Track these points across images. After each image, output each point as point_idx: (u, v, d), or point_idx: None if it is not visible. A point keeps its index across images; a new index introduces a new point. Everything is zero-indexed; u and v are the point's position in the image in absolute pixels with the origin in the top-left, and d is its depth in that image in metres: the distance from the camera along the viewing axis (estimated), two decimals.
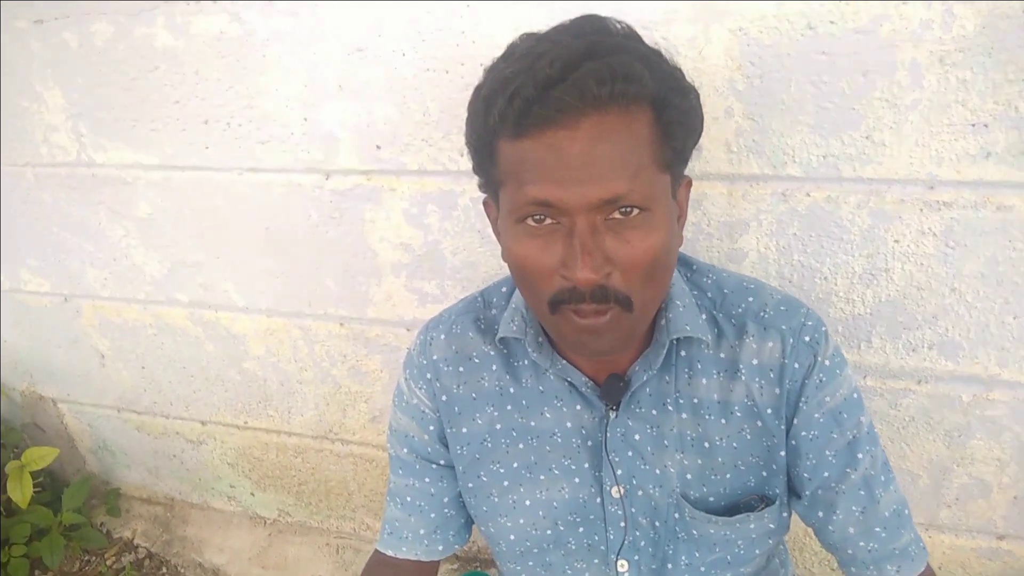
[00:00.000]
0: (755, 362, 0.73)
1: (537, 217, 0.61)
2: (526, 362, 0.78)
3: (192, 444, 1.68)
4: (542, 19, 0.86)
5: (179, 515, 1.83)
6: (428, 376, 0.82)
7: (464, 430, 0.81)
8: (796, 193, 0.95)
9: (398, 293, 1.24)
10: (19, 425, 1.79)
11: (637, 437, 0.76)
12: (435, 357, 0.81)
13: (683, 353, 0.74)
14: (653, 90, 0.59)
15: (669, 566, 0.80)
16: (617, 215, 0.60)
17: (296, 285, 1.31)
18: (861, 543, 0.75)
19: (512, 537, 0.82)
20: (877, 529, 0.74)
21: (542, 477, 0.79)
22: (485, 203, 0.75)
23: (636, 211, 0.60)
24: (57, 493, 1.70)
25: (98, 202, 1.34)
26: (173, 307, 1.43)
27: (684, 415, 0.75)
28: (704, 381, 0.74)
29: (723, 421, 0.75)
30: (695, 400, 0.75)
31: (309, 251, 1.25)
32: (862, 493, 0.74)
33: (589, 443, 0.77)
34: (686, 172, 0.69)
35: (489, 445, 0.80)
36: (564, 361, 0.75)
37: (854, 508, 0.74)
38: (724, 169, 0.95)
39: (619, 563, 0.80)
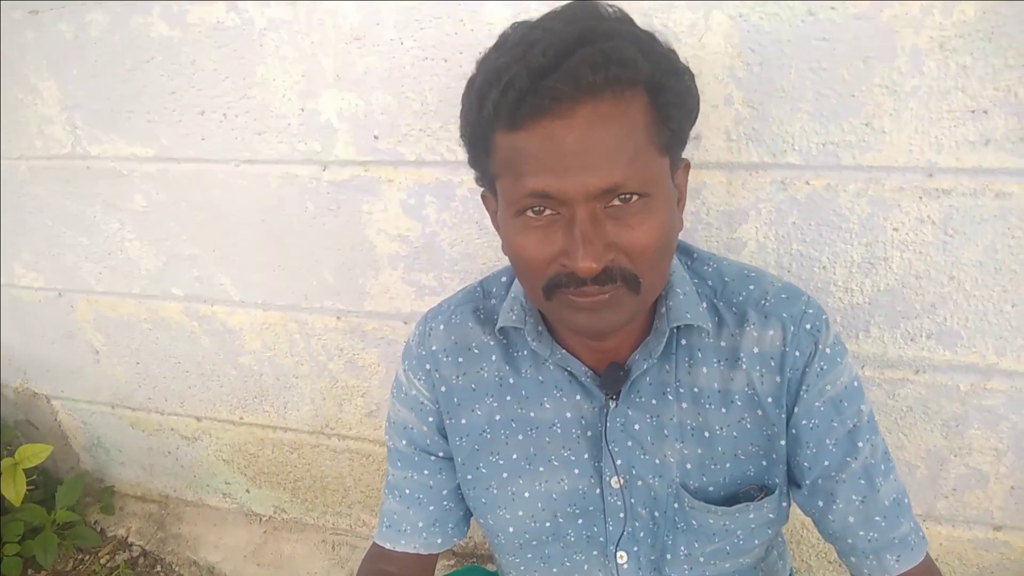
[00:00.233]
0: (756, 350, 0.72)
1: (536, 208, 0.61)
2: (526, 352, 0.78)
3: (187, 440, 1.67)
4: (540, 6, 0.86)
5: (174, 513, 1.82)
6: (427, 367, 0.81)
7: (463, 421, 0.80)
8: (795, 181, 0.95)
9: (395, 286, 1.24)
10: (12, 422, 1.77)
11: (637, 427, 0.75)
12: (434, 348, 0.81)
13: (683, 342, 0.74)
14: (647, 73, 0.58)
15: (668, 557, 0.79)
16: (617, 202, 0.60)
17: (293, 278, 1.30)
18: (861, 532, 0.75)
19: (511, 529, 0.81)
20: (877, 518, 0.74)
21: (541, 468, 0.79)
22: (483, 196, 0.75)
23: (636, 197, 0.60)
24: (51, 491, 1.69)
25: (93, 195, 1.33)
26: (168, 301, 1.43)
27: (684, 404, 0.75)
28: (704, 370, 0.74)
29: (723, 410, 0.74)
30: (695, 389, 0.74)
31: (306, 243, 1.24)
32: (862, 482, 0.74)
33: (589, 433, 0.77)
34: (684, 156, 0.69)
35: (488, 436, 0.80)
36: (564, 350, 0.74)
37: (854, 497, 0.74)
38: (723, 157, 0.95)
39: (618, 554, 0.80)
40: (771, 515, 0.77)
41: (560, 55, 0.55)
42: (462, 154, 0.69)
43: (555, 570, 0.84)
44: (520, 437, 0.79)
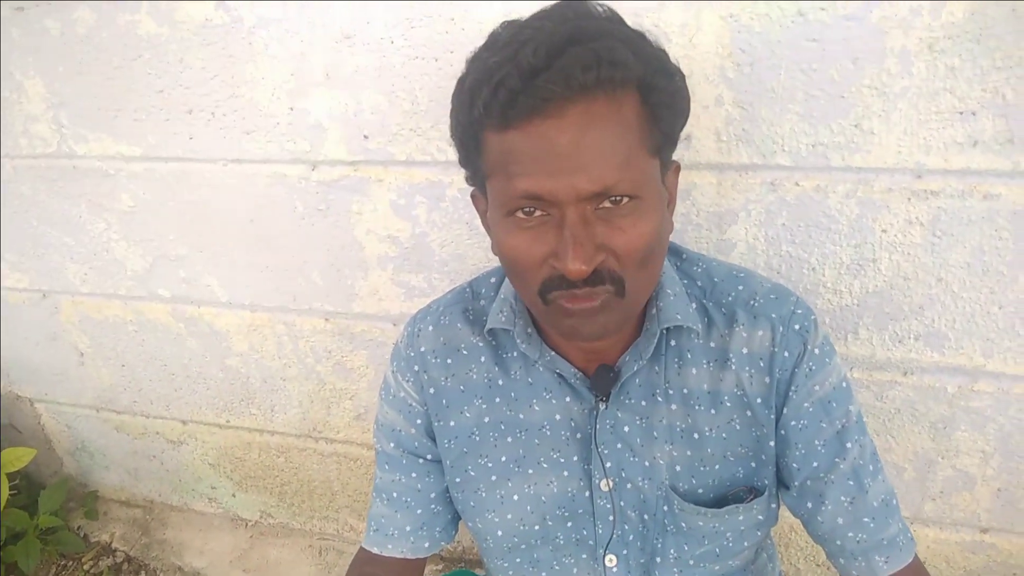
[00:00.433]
0: (745, 351, 0.72)
1: (527, 209, 0.60)
2: (515, 354, 0.77)
3: (172, 444, 1.65)
4: (531, 6, 0.86)
5: (158, 518, 1.79)
6: (415, 368, 0.80)
7: (452, 423, 0.80)
8: (785, 183, 0.95)
9: (384, 287, 1.23)
10: None
11: (626, 429, 0.75)
12: (423, 349, 0.80)
13: (673, 343, 0.74)
14: (639, 73, 0.58)
15: (658, 560, 0.79)
16: (607, 204, 0.59)
17: (281, 279, 1.29)
18: (850, 534, 0.74)
19: (500, 533, 0.81)
20: (866, 519, 0.74)
21: (530, 471, 0.78)
22: (473, 195, 0.74)
23: (626, 199, 0.59)
24: (33, 496, 1.67)
25: (79, 195, 1.32)
26: (154, 303, 1.41)
27: (674, 406, 0.75)
28: (694, 371, 0.74)
29: (713, 411, 0.74)
30: (685, 391, 0.74)
31: (294, 244, 1.23)
32: (851, 483, 0.73)
33: (578, 435, 0.76)
34: (674, 157, 0.69)
35: (477, 439, 0.79)
36: (553, 352, 0.74)
37: (843, 498, 0.74)
38: (713, 158, 0.95)
39: (607, 558, 0.79)
40: (760, 517, 0.77)
41: (551, 54, 0.55)
42: (452, 154, 0.69)
43: (544, 574, 0.83)
44: (509, 439, 0.78)
